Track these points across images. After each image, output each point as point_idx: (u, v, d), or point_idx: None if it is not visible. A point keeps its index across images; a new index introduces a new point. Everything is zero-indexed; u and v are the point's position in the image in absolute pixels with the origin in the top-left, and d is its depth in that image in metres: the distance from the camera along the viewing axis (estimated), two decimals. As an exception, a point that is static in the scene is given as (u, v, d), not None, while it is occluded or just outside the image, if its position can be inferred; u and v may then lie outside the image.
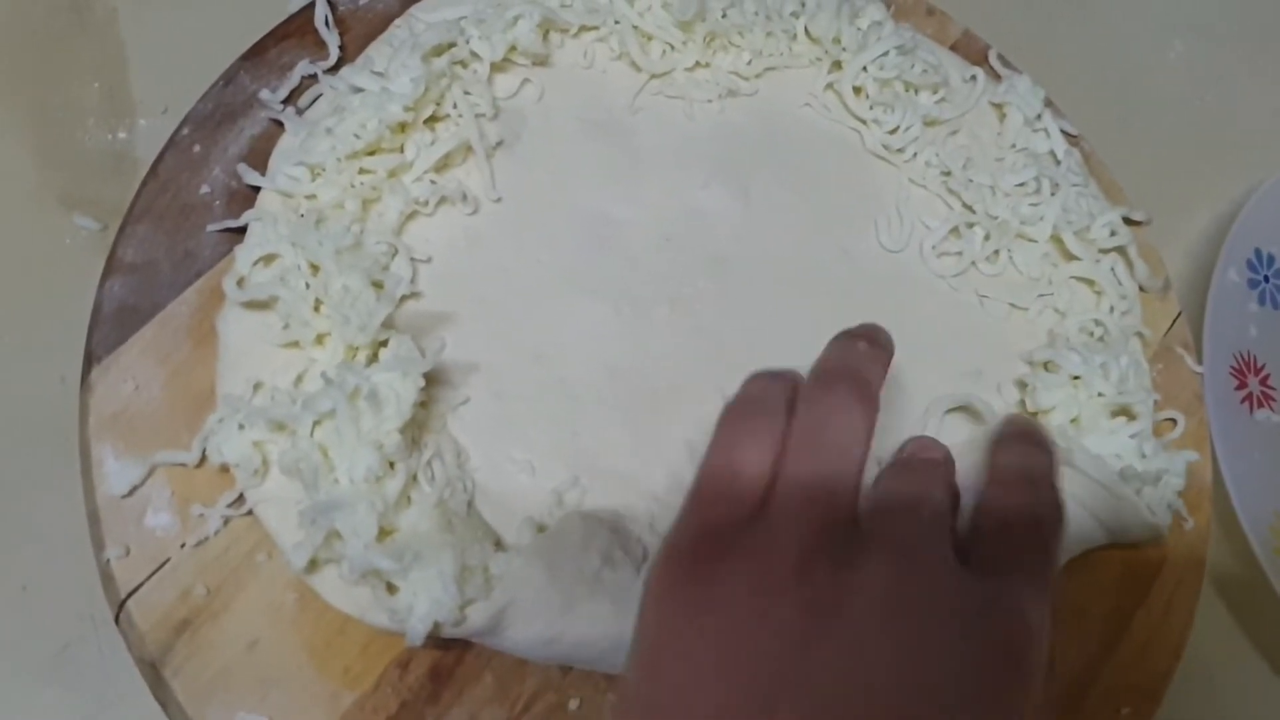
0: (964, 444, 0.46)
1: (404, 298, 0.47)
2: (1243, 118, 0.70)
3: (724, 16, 0.54)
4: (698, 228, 0.52)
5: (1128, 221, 0.56)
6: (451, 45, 0.51)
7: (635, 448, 0.47)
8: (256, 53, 0.52)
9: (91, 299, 0.47)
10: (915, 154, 0.56)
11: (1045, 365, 0.51)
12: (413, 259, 0.48)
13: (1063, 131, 0.58)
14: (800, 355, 0.50)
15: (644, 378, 0.48)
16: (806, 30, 0.56)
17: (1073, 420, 0.50)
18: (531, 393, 0.47)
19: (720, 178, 0.53)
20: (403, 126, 0.49)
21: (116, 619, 0.42)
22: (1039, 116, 0.57)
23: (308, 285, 0.44)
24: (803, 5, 0.56)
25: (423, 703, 0.42)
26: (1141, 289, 0.56)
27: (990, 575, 0.33)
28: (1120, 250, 0.55)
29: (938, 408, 0.50)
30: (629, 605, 0.41)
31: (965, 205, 0.55)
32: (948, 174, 0.55)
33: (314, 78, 0.51)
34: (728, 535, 0.33)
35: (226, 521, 0.43)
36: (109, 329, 0.46)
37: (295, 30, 0.53)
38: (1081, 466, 0.47)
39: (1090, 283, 0.55)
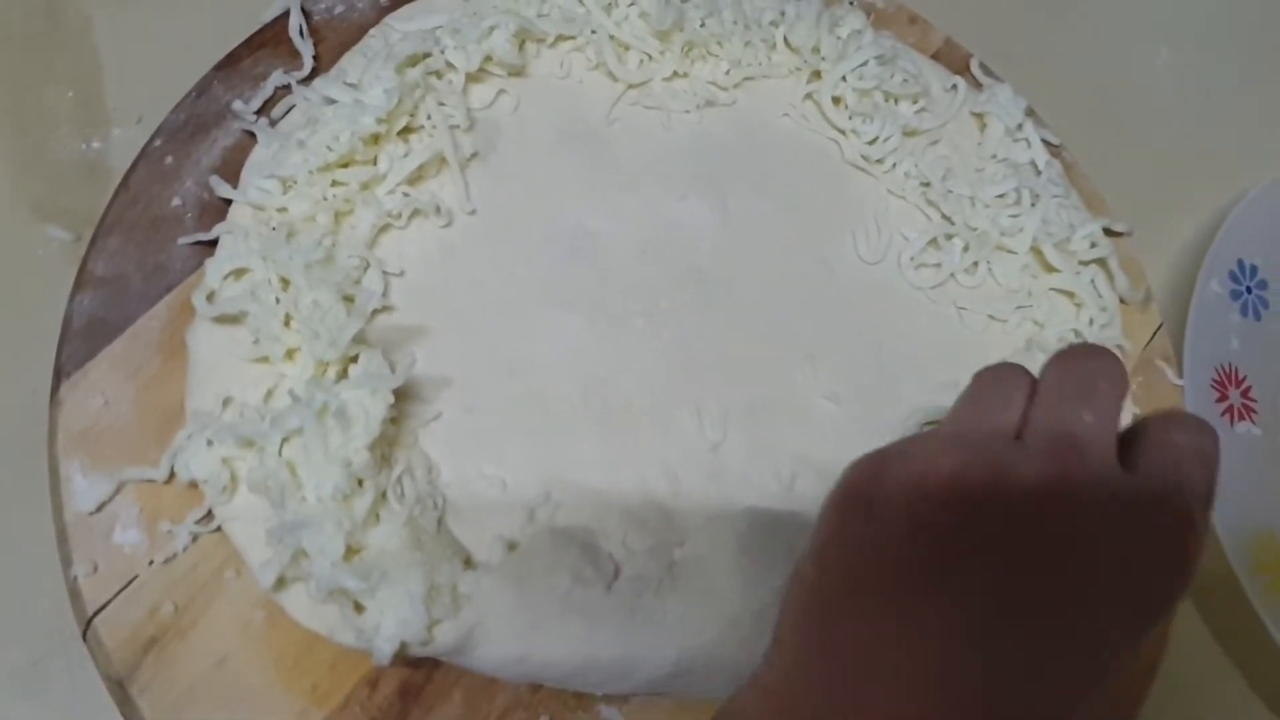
0: None
1: (376, 311, 0.47)
2: (1227, 127, 0.70)
3: (702, 26, 0.54)
4: (675, 240, 0.52)
5: (1109, 233, 0.56)
6: (426, 56, 0.51)
7: (609, 463, 0.46)
8: (230, 62, 0.52)
9: (63, 309, 0.46)
10: (894, 165, 0.55)
11: None
12: (385, 272, 0.48)
13: (1044, 141, 0.58)
14: (777, 368, 0.50)
15: (619, 392, 0.48)
16: (786, 39, 0.56)
17: None
18: (504, 407, 0.47)
19: (698, 189, 0.53)
20: (376, 138, 0.48)
21: (84, 636, 0.41)
22: (1020, 126, 0.57)
23: (278, 300, 0.44)
24: (782, 14, 0.56)
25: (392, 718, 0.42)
26: (1122, 301, 0.56)
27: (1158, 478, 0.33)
28: (1101, 262, 0.55)
29: (915, 419, 0.50)
30: (599, 624, 0.41)
31: (944, 216, 0.55)
32: (927, 185, 0.55)
33: (288, 88, 0.51)
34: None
35: (195, 538, 0.43)
36: (78, 343, 0.45)
37: (270, 39, 0.53)
38: None
39: (1070, 295, 0.55)
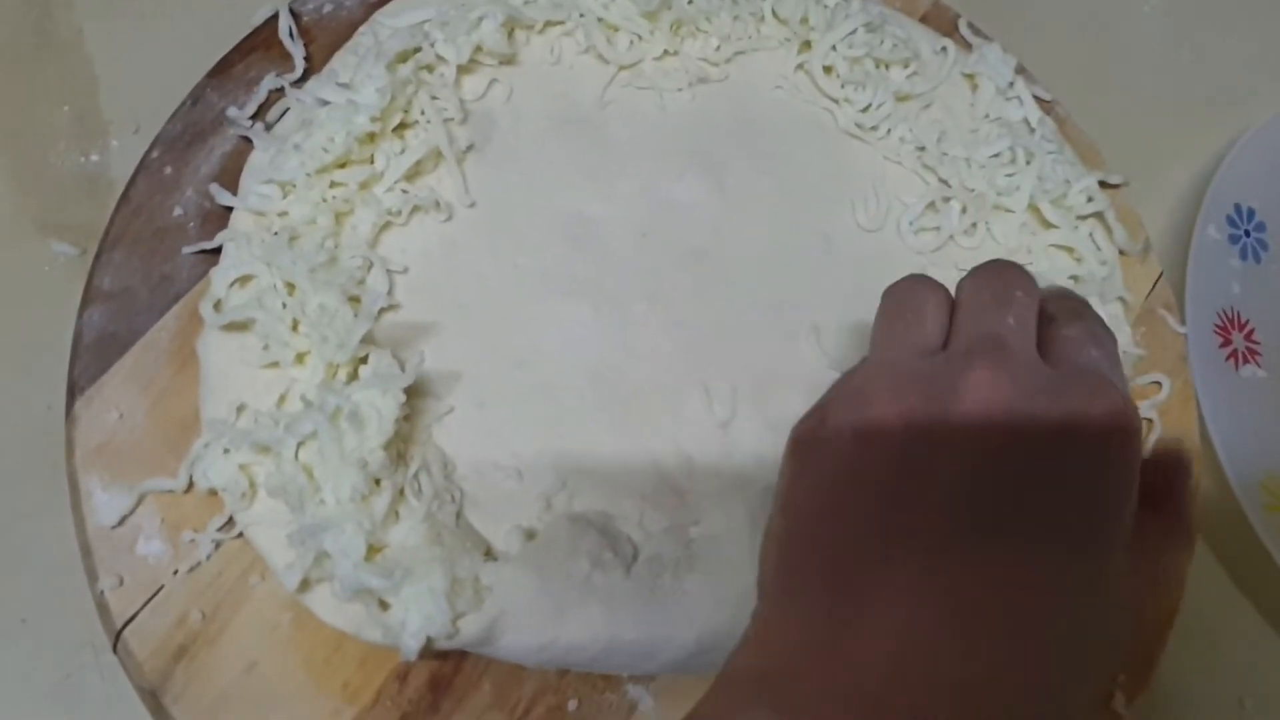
0: None
1: (382, 310, 0.47)
2: (1218, 72, 0.70)
3: (690, 3, 0.54)
4: (674, 221, 0.52)
5: (1104, 185, 0.56)
6: (416, 50, 0.51)
7: (621, 447, 0.47)
8: (223, 69, 0.52)
9: (73, 321, 0.47)
10: (889, 131, 0.55)
11: None
12: (389, 271, 0.48)
13: (1036, 97, 0.58)
14: (783, 342, 0.50)
15: (626, 377, 0.48)
16: (774, 11, 0.56)
17: None
18: (514, 399, 0.47)
19: (694, 168, 0.53)
20: (371, 137, 0.49)
21: (114, 648, 0.42)
22: (1011, 85, 0.57)
23: (284, 305, 0.45)
24: (768, -14, 0.56)
25: (423, 713, 0.42)
26: (1121, 253, 0.56)
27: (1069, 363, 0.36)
28: (1098, 215, 0.55)
29: None
30: (620, 607, 0.42)
31: (941, 180, 0.55)
32: (922, 149, 0.55)
33: (281, 91, 0.51)
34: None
35: (218, 545, 0.43)
36: (90, 359, 0.46)
37: (260, 43, 0.53)
38: None
39: (1070, 250, 0.55)
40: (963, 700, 0.31)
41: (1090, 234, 0.55)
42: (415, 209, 0.49)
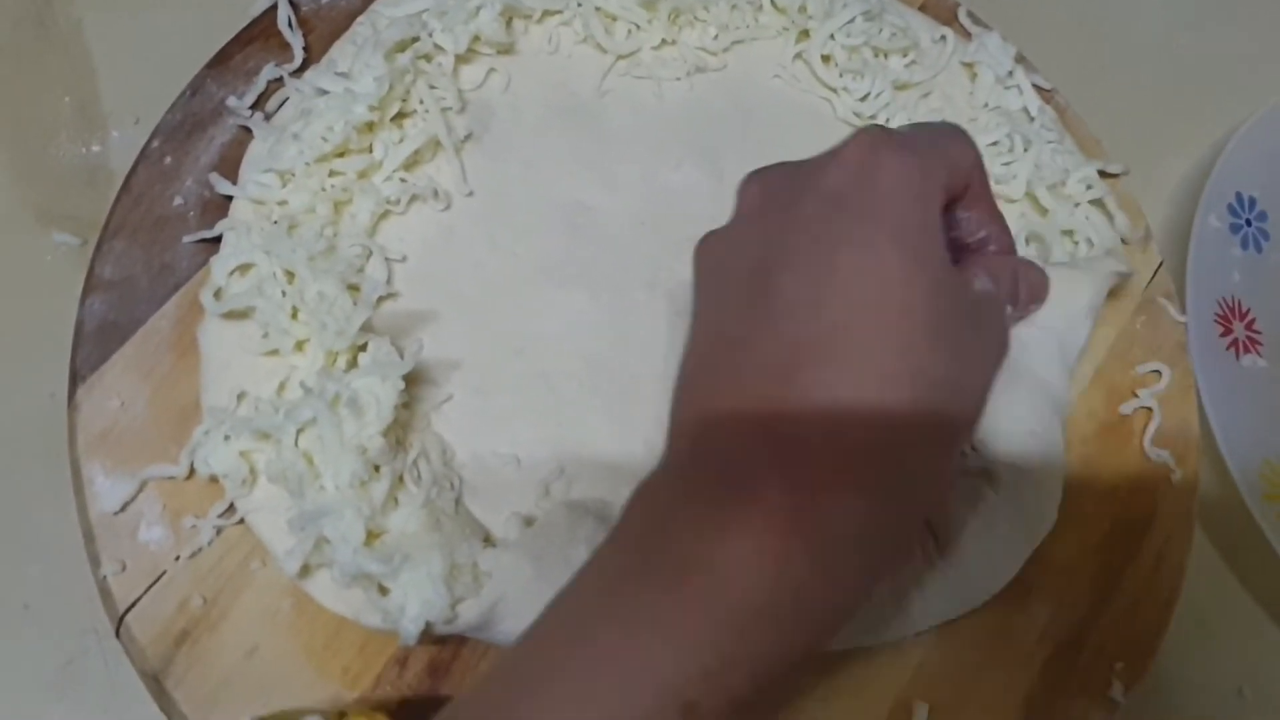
0: None
1: (381, 298, 0.47)
2: (1218, 61, 0.70)
3: (688, -9, 0.54)
4: (672, 209, 0.52)
5: (1104, 175, 0.56)
6: (414, 40, 0.51)
7: (619, 435, 0.47)
8: (222, 59, 0.52)
9: (74, 310, 0.47)
10: (887, 119, 0.55)
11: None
12: (387, 259, 0.48)
13: (1036, 86, 0.58)
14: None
15: (624, 365, 0.48)
16: (772, 0, 0.56)
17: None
18: (513, 386, 0.47)
19: (693, 157, 0.53)
20: (370, 126, 0.49)
21: (117, 633, 0.42)
22: (1010, 74, 0.57)
23: (284, 293, 0.45)
24: (767, -25, 0.56)
25: (422, 697, 0.43)
26: (1122, 241, 0.56)
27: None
28: (1098, 203, 0.55)
29: None
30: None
31: (940, 169, 0.55)
32: (921, 138, 0.55)
33: (280, 81, 0.51)
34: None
35: (219, 531, 0.43)
36: (91, 347, 0.46)
37: (259, 33, 0.53)
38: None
39: (1069, 233, 0.55)
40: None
41: (1088, 217, 0.55)
42: (414, 198, 0.50)
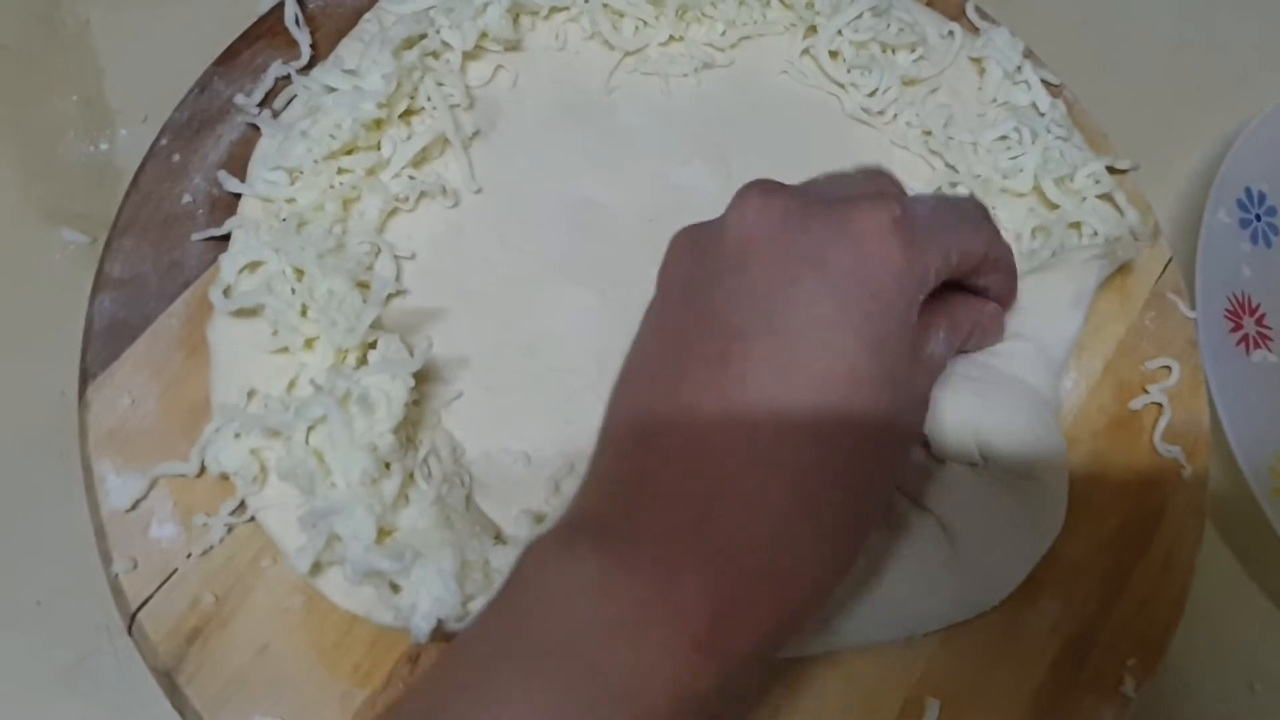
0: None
1: (390, 296, 0.47)
2: (1227, 55, 0.69)
3: (696, -13, 0.54)
4: (681, 206, 0.51)
5: (1113, 171, 0.56)
6: (422, 37, 0.51)
7: (629, 431, 0.47)
8: (229, 56, 0.52)
9: (84, 311, 0.47)
10: (895, 115, 0.55)
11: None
12: (396, 256, 0.48)
13: (1044, 82, 0.57)
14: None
15: (634, 361, 0.48)
16: (780, -4, 0.56)
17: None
18: (522, 384, 0.47)
19: (701, 154, 0.53)
20: (378, 123, 0.49)
21: (129, 631, 0.42)
22: (1019, 69, 0.57)
23: (294, 290, 0.45)
24: (774, -30, 0.56)
25: (433, 695, 0.43)
26: (1132, 235, 0.55)
27: None
28: (1106, 198, 0.55)
29: None
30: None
31: (948, 165, 0.55)
32: (929, 134, 0.55)
33: (288, 78, 0.51)
34: None
35: (230, 529, 0.43)
36: (101, 345, 0.46)
37: (267, 31, 0.53)
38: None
39: (1077, 226, 0.55)
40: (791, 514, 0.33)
41: (1095, 209, 0.55)
42: (422, 195, 0.50)
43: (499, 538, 0.43)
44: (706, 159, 0.53)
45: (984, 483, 0.45)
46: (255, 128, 0.50)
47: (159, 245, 0.48)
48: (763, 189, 0.38)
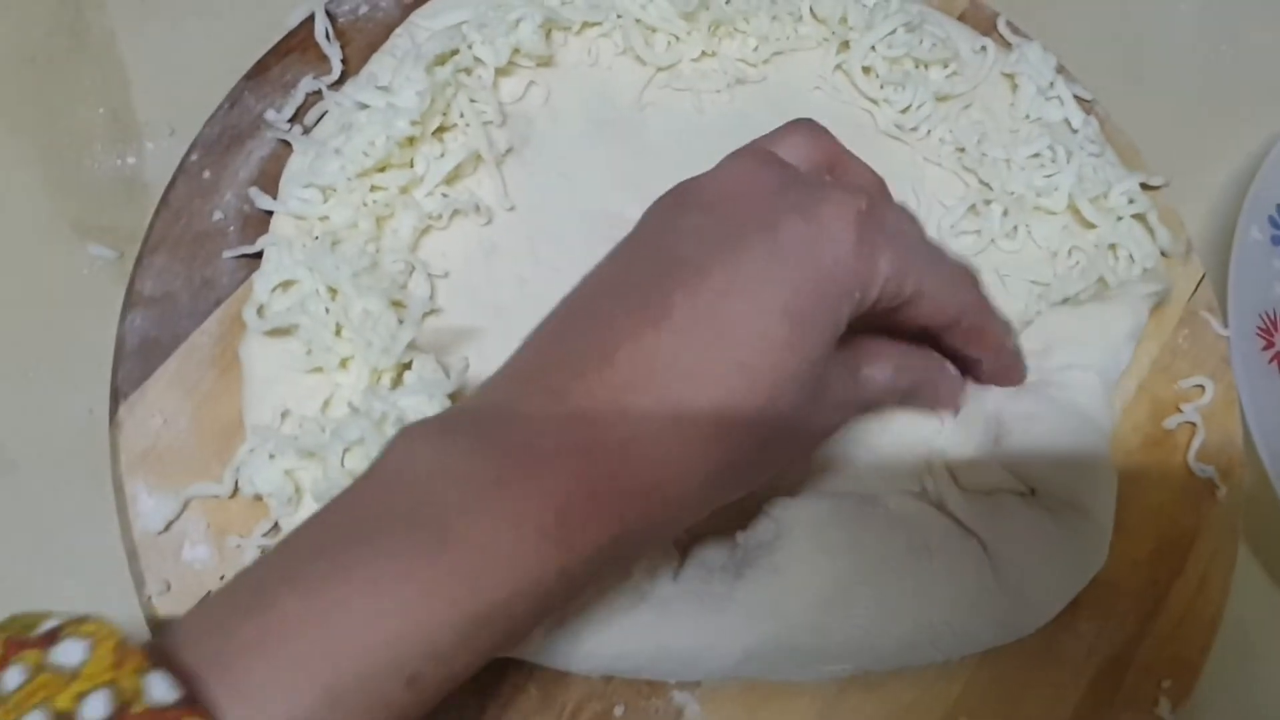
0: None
1: (424, 314, 0.47)
2: (1255, 69, 0.69)
3: (728, 3, 0.54)
4: (713, 223, 0.51)
5: (1145, 187, 0.55)
6: (454, 53, 0.50)
7: (664, 451, 0.47)
8: (259, 71, 0.52)
9: (112, 327, 0.47)
10: (929, 131, 0.55)
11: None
12: (430, 275, 0.48)
13: (1076, 97, 0.57)
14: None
15: (668, 381, 0.48)
16: (812, 11, 0.55)
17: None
18: (557, 403, 0.47)
19: (733, 170, 0.53)
20: (411, 140, 0.48)
21: (163, 654, 0.42)
22: (1051, 85, 0.56)
23: (327, 310, 0.44)
24: (807, -15, 0.55)
25: (468, 719, 0.42)
26: (1163, 254, 0.55)
27: None
28: (1139, 217, 0.55)
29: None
30: (670, 614, 0.41)
31: (982, 182, 0.54)
32: (962, 150, 0.55)
33: (319, 94, 0.51)
34: None
35: (263, 551, 0.43)
36: (133, 364, 0.46)
37: (297, 45, 0.53)
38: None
39: (1112, 248, 0.54)
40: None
41: (1130, 230, 0.54)
42: (455, 213, 0.49)
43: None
44: (739, 176, 0.53)
45: (1032, 510, 0.45)
46: (285, 143, 0.50)
47: (190, 263, 0.48)
48: (757, 155, 0.40)
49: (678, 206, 0.39)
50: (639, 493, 0.34)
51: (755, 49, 0.55)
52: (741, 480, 0.38)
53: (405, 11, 0.53)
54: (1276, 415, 0.55)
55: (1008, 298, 0.53)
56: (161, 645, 0.30)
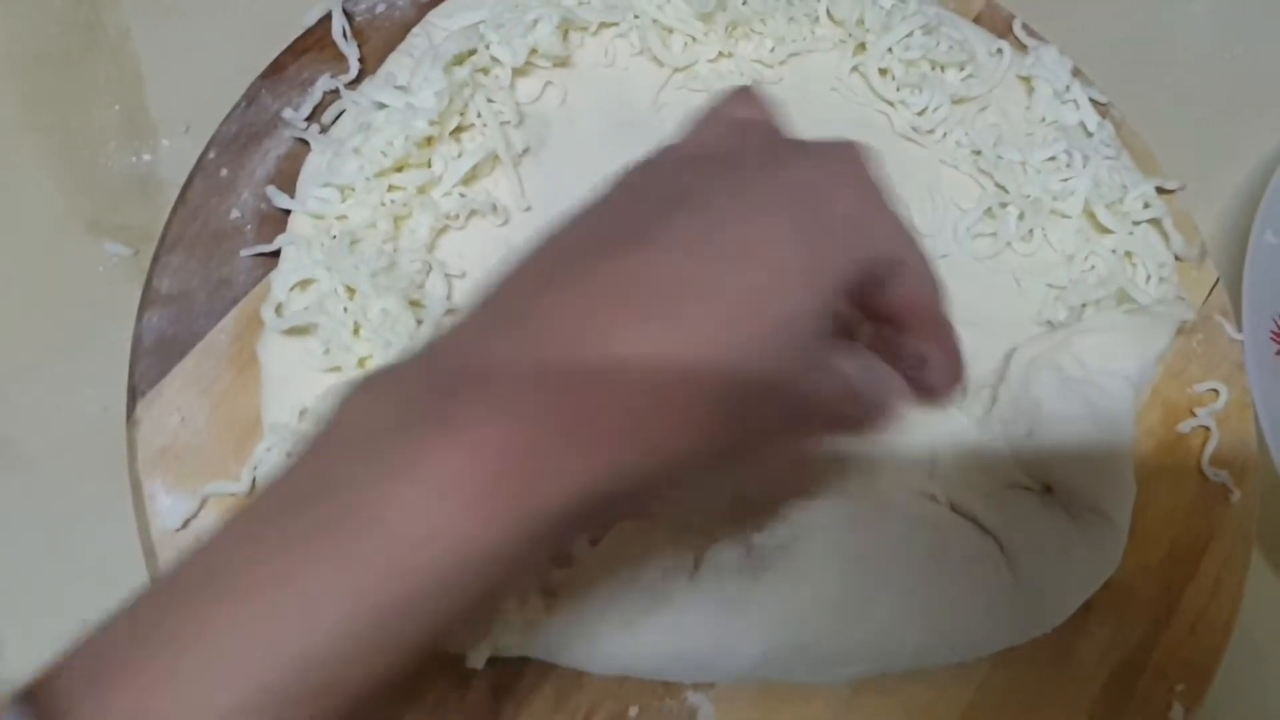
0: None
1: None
2: (1269, 71, 0.69)
3: (745, 4, 0.54)
4: (729, 224, 0.51)
5: (1160, 191, 0.55)
6: (472, 53, 0.50)
7: (680, 452, 0.47)
8: (276, 70, 0.52)
9: (128, 325, 0.47)
10: (945, 134, 0.55)
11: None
12: (447, 275, 0.48)
13: (1092, 100, 0.57)
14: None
15: (685, 382, 0.48)
16: (829, 13, 0.55)
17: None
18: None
19: (749, 171, 0.53)
20: (429, 140, 0.48)
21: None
22: (1068, 88, 0.56)
23: (345, 309, 0.44)
24: (824, -13, 0.55)
25: (484, 718, 0.43)
26: (1177, 258, 0.55)
27: None
28: (1154, 222, 0.55)
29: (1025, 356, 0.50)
30: (686, 615, 0.41)
31: (998, 185, 0.54)
32: (978, 153, 0.55)
33: (336, 93, 0.51)
34: None
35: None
36: (150, 362, 0.46)
37: (313, 44, 0.52)
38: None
39: (1128, 255, 0.54)
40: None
41: (1145, 237, 0.54)
42: (473, 213, 0.49)
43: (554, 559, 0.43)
44: (755, 177, 0.53)
45: (1051, 511, 0.45)
46: (302, 142, 0.50)
47: (207, 261, 0.48)
48: (750, 99, 0.38)
49: (661, 160, 0.35)
50: (612, 436, 0.28)
51: (772, 50, 0.55)
52: (731, 438, 0.31)
53: (422, 11, 0.53)
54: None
55: (1024, 300, 0.53)
56: (41, 681, 0.26)
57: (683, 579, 0.42)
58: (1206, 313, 0.55)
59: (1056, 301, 0.52)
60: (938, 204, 0.54)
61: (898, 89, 0.55)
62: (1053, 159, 0.54)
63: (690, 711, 0.44)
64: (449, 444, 0.26)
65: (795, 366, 0.31)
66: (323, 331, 0.44)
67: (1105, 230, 0.54)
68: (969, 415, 0.49)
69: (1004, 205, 0.54)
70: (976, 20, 0.59)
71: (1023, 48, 0.59)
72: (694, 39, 0.54)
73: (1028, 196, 0.53)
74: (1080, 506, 0.45)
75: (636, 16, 0.53)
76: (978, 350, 0.51)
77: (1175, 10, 0.70)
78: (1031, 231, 0.54)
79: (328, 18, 0.52)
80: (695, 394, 0.29)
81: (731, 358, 0.29)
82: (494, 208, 0.49)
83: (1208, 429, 0.52)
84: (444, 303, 0.46)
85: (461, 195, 0.49)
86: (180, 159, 0.52)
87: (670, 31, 0.54)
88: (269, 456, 0.43)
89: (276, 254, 0.47)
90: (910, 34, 0.54)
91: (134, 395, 0.45)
